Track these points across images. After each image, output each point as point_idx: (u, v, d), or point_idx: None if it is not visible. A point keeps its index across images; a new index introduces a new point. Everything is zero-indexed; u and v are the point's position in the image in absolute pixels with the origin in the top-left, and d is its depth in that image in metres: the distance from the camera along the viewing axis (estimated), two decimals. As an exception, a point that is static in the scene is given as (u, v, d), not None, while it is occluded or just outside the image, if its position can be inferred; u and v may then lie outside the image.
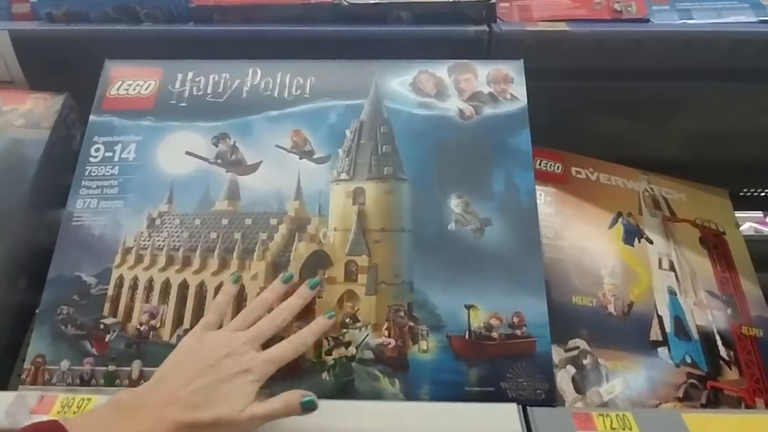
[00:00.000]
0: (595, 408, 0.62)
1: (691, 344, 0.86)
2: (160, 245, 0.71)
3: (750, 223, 1.46)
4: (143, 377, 0.64)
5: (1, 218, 0.75)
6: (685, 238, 0.98)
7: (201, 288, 0.68)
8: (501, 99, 0.77)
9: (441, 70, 0.79)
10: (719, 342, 0.88)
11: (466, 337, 0.63)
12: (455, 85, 0.78)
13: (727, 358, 0.87)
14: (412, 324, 0.64)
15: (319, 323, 0.61)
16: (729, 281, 0.96)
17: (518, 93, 0.77)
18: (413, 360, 0.63)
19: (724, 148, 1.19)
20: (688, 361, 0.84)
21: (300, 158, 0.74)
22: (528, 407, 0.59)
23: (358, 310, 0.65)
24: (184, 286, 0.69)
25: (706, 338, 0.88)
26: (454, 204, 0.70)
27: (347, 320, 0.65)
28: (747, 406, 0.83)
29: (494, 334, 0.63)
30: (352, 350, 0.64)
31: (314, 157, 0.74)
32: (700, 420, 0.59)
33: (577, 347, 0.80)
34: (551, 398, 0.61)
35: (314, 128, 0.75)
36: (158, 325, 0.67)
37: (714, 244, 1.00)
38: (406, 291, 0.66)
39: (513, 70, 0.79)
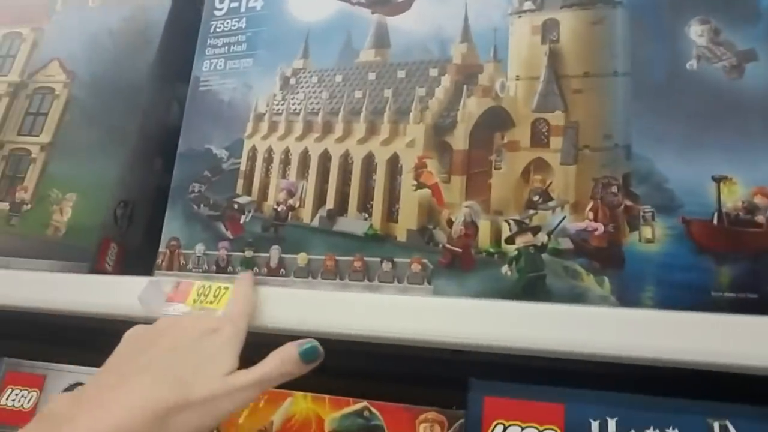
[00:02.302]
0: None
1: None
2: (296, 109, 0.58)
3: None
4: (283, 265, 0.53)
5: (132, 92, 0.67)
6: None
7: (346, 159, 0.55)
8: None
9: None
10: None
11: (715, 221, 0.44)
12: None
13: None
14: (629, 203, 0.46)
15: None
16: None
17: None
18: (631, 252, 0.45)
19: None
20: None
21: (467, -14, 0.55)
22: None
23: (550, 184, 0.48)
24: (325, 157, 0.56)
25: None
26: (696, 32, 0.48)
27: (536, 198, 0.48)
28: None
29: (759, 218, 0.43)
30: (542, 238, 0.47)
31: (485, -17, 0.54)
32: None
33: None
34: None
35: (483, -54, 0.55)
36: (297, 205, 0.55)
37: None
38: (621, 158, 0.47)
39: None
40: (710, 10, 0.48)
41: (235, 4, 0.64)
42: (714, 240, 0.44)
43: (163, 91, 0.69)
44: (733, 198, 0.44)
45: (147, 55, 0.68)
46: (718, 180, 0.45)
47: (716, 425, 0.41)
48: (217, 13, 0.65)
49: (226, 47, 0.63)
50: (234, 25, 0.63)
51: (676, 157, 0.46)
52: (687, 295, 0.43)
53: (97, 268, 0.60)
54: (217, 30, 0.64)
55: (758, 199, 0.44)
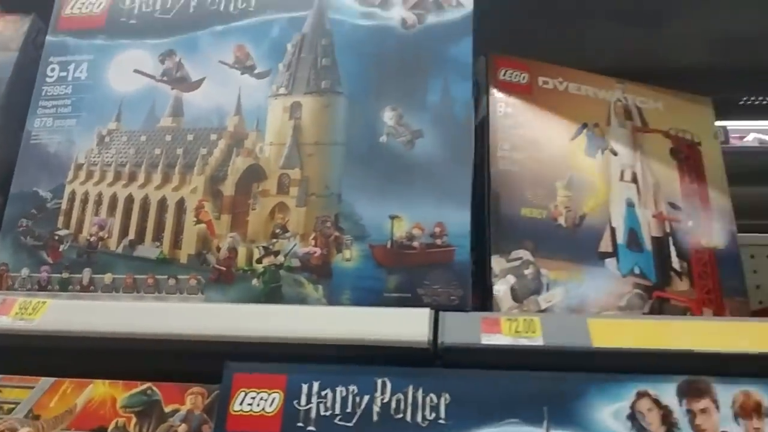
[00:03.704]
0: (508, 313, 0.64)
1: (643, 255, 0.86)
2: (108, 161, 0.74)
3: (755, 134, 1.39)
4: (93, 283, 0.69)
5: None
6: (655, 148, 0.95)
7: (145, 201, 0.72)
8: (446, 6, 0.74)
9: (387, -23, 0.77)
10: (673, 253, 0.88)
11: (388, 246, 0.65)
12: (401, -7, 0.76)
13: (679, 270, 0.86)
14: (337, 234, 0.66)
15: None
16: (696, 193, 0.94)
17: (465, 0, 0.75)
18: (336, 268, 0.66)
19: (730, 53, 1.12)
20: (636, 272, 0.84)
21: (242, 73, 0.75)
22: (440, 312, 0.62)
23: (288, 221, 0.68)
24: (129, 199, 0.72)
25: (660, 250, 0.88)
26: (388, 116, 0.70)
27: (277, 231, 0.68)
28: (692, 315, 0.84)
29: (415, 244, 0.65)
30: (280, 259, 0.67)
31: (255, 72, 0.74)
32: (603, 325, 0.60)
33: (520, 258, 0.81)
34: (464, 304, 0.63)
35: (257, 43, 0.76)
36: (106, 236, 0.71)
37: (686, 155, 0.96)
38: (335, 202, 0.68)
39: (462, -24, 0.76)
40: (397, 102, 0.71)
41: (63, 74, 0.79)
42: (387, 259, 0.65)
43: (6, 138, 0.82)
44: (400, 230, 0.66)
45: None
46: (392, 218, 0.67)
47: (379, 381, 0.61)
48: (48, 79, 0.79)
49: (55, 109, 0.78)
50: (62, 91, 0.78)
51: (369, 202, 0.67)
52: (370, 296, 0.64)
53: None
54: (48, 94, 0.79)
55: (416, 231, 0.66)
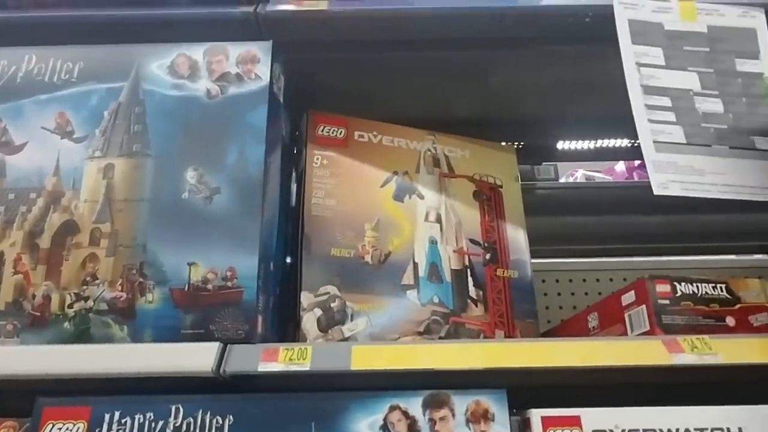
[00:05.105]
0: (288, 344, 0.75)
1: (442, 286, 1.01)
2: (-66, 219, 0.81)
3: (582, 170, 1.60)
4: None
5: None
6: (460, 191, 1.11)
7: (-33, 256, 0.79)
8: (246, 78, 0.87)
9: (197, 52, 0.89)
10: (471, 283, 1.03)
11: (186, 289, 0.76)
12: (207, 67, 0.88)
13: (475, 297, 1.02)
14: (141, 280, 0.76)
15: None
16: (495, 229, 1.10)
17: (262, 72, 0.87)
18: (140, 309, 0.75)
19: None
20: (435, 300, 0.99)
21: (61, 138, 0.84)
22: (229, 345, 0.73)
23: (98, 269, 0.77)
24: (-48, 254, 0.79)
25: (459, 280, 1.03)
26: (190, 175, 0.81)
27: (88, 278, 0.77)
28: (486, 337, 0.99)
29: (209, 286, 0.76)
30: (90, 303, 0.76)
31: (74, 137, 0.84)
32: (365, 350, 0.72)
33: (328, 293, 0.94)
34: (250, 336, 0.74)
35: (77, 110, 0.85)
36: (-72, 289, 0.78)
37: (488, 196, 1.13)
38: (140, 252, 0.78)
39: (260, 51, 0.89)
40: (199, 162, 0.82)
41: None
42: (184, 300, 0.76)
43: None
44: (197, 274, 0.77)
45: None
46: (190, 264, 0.77)
47: (173, 407, 0.71)
48: None
49: None
50: None
51: (171, 251, 0.78)
52: (169, 333, 0.74)
53: None
54: None
55: (210, 275, 0.77)
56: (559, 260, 1.22)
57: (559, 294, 1.17)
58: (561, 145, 1.45)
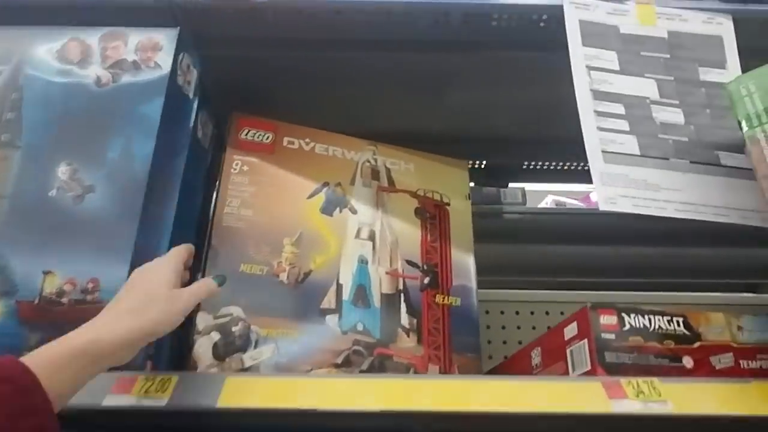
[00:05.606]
0: (151, 372, 0.63)
1: (369, 312, 0.88)
2: None
3: (552, 196, 1.50)
4: None
5: None
6: (400, 207, 0.99)
7: None
8: (144, 67, 0.76)
9: (92, 37, 0.79)
10: (404, 310, 0.90)
11: (36, 302, 0.64)
12: (102, 53, 0.77)
13: (408, 326, 0.89)
14: (-14, 289, 0.64)
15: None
16: (437, 251, 0.98)
17: (163, 61, 0.77)
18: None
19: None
20: (360, 328, 0.86)
21: (-74, 127, 0.73)
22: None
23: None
24: None
25: (390, 306, 0.90)
26: (62, 171, 0.70)
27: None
28: (416, 372, 0.85)
29: (64, 300, 0.64)
30: None
31: (-60, 124, 0.73)
32: (238, 382, 0.60)
33: (230, 314, 0.81)
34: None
35: (-52, 96, 0.74)
36: None
37: (432, 214, 1.01)
38: (-14, 258, 0.66)
39: (165, 39, 0.79)
40: (75, 157, 0.71)
41: None
42: (33, 315, 0.64)
43: None
44: (52, 286, 0.65)
45: None
46: (45, 273, 0.65)
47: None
48: None
49: None
50: None
51: (25, 257, 0.66)
52: (9, 353, 0.61)
53: None
54: None
55: (67, 287, 0.65)
56: (506, 291, 1.09)
57: (503, 327, 1.04)
58: (526, 165, 1.35)
